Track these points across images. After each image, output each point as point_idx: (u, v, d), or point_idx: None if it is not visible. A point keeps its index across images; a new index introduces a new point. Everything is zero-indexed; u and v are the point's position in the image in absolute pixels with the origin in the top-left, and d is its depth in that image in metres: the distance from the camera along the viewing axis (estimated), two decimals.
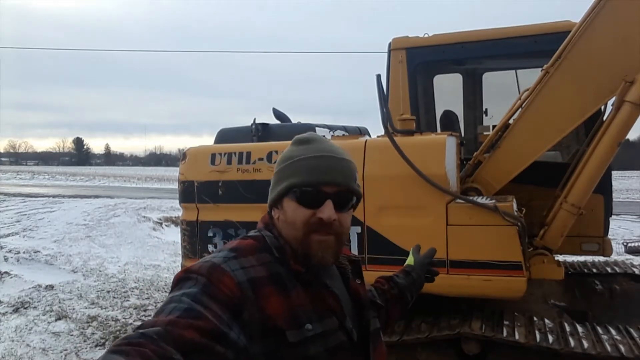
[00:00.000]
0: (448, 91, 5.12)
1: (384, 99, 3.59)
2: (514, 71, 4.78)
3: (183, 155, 4.18)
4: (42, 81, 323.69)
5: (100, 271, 7.74)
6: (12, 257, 7.83)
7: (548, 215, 3.46)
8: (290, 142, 1.26)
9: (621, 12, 3.20)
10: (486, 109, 5.01)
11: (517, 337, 3.11)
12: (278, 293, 1.09)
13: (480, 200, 3.29)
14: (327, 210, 1.13)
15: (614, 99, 3.24)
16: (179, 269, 2.74)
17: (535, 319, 3.43)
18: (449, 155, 3.30)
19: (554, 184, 3.64)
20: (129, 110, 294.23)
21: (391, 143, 3.31)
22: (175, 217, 11.79)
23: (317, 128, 4.42)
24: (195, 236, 4.03)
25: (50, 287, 6.75)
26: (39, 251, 8.33)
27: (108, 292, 6.80)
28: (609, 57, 3.24)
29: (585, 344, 3.04)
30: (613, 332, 3.25)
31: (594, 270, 4.65)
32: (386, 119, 3.53)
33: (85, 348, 5.02)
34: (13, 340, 5.13)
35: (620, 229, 11.80)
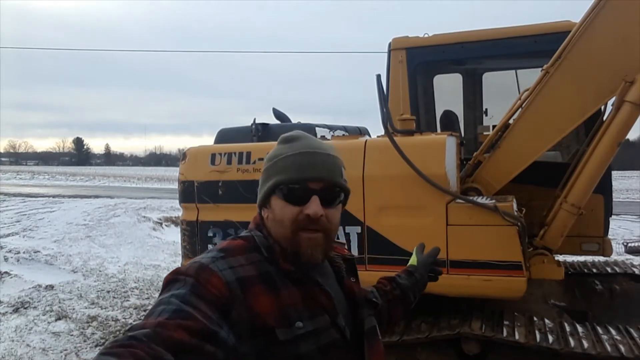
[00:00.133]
0: (448, 91, 5.12)
1: (384, 99, 3.59)
2: (514, 71, 4.78)
3: (183, 155, 4.18)
4: (42, 81, 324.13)
5: (100, 271, 7.74)
6: (12, 257, 7.83)
7: (548, 215, 3.46)
8: None
9: (621, 12, 3.20)
10: (486, 109, 5.01)
11: (517, 337, 3.12)
12: (267, 292, 1.09)
13: (480, 200, 3.29)
14: (314, 206, 1.12)
15: (614, 99, 3.24)
16: None
17: (535, 319, 3.43)
18: (449, 155, 3.30)
19: (554, 184, 3.64)
20: (129, 110, 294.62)
21: (391, 143, 3.31)
22: (175, 217, 11.79)
23: (317, 128, 4.43)
24: (195, 236, 4.03)
25: (50, 287, 6.75)
26: (39, 251, 8.33)
27: (108, 292, 6.80)
28: (609, 57, 3.24)
29: (585, 344, 3.04)
30: (613, 332, 3.25)
31: (594, 270, 4.65)
32: (386, 119, 3.54)
33: (85, 348, 5.02)
34: (13, 340, 5.13)
35: (620, 229, 11.80)
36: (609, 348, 3.00)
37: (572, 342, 3.07)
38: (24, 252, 8.13)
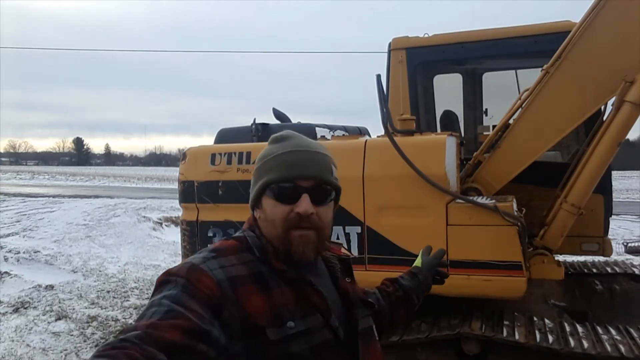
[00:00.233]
0: (448, 91, 5.12)
1: (384, 99, 3.59)
2: (514, 71, 4.78)
3: (183, 155, 4.18)
4: (42, 81, 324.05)
5: (100, 271, 7.74)
6: (12, 257, 7.83)
7: (548, 215, 3.46)
8: None
9: (621, 12, 3.20)
10: (486, 109, 5.01)
11: (517, 337, 3.11)
12: (259, 291, 1.09)
13: (480, 200, 3.29)
14: (304, 204, 1.13)
15: (614, 99, 3.24)
16: None
17: (535, 319, 3.43)
18: (449, 155, 3.30)
19: (554, 184, 3.64)
20: (129, 110, 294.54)
21: (391, 143, 3.30)
22: (175, 217, 11.79)
23: (317, 128, 4.42)
24: (195, 236, 4.03)
25: (50, 287, 6.75)
26: (39, 251, 8.33)
27: (108, 292, 6.80)
28: (609, 57, 3.24)
29: (585, 344, 3.04)
30: (613, 332, 3.25)
31: (594, 270, 4.65)
32: (386, 119, 3.53)
33: (85, 348, 5.02)
34: (13, 340, 5.13)
35: (620, 229, 11.80)
36: (609, 348, 3.00)
37: (572, 342, 3.07)
38: (24, 252, 8.13)
